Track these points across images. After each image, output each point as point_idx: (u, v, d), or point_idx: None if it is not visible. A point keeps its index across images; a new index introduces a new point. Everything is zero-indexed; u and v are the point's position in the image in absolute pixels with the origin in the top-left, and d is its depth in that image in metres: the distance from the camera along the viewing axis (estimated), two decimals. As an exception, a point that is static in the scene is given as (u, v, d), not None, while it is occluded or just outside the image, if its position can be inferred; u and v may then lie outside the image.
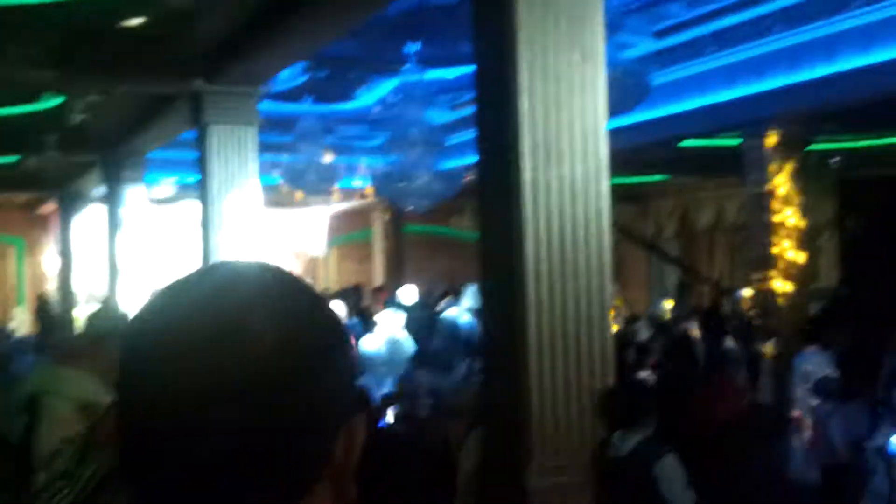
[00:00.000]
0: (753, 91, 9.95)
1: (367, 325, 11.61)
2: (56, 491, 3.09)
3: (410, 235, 19.37)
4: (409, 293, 13.65)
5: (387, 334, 9.73)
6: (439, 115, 12.00)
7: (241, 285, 0.94)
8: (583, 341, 4.53)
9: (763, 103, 9.91)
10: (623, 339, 9.64)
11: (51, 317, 16.74)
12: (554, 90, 4.52)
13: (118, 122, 11.65)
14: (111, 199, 12.94)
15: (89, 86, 9.82)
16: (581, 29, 4.58)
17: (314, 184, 12.57)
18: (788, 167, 10.19)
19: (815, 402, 8.11)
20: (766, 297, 10.40)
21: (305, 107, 12.40)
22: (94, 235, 15.67)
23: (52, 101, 10.90)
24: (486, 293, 5.03)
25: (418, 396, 7.06)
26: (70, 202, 16.66)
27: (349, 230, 20.95)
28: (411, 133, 10.55)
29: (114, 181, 12.83)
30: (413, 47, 10.01)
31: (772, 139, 10.18)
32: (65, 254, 16.92)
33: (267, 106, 10.04)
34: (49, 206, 18.82)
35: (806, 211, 10.35)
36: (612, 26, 7.07)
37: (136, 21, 7.94)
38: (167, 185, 15.97)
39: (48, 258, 19.93)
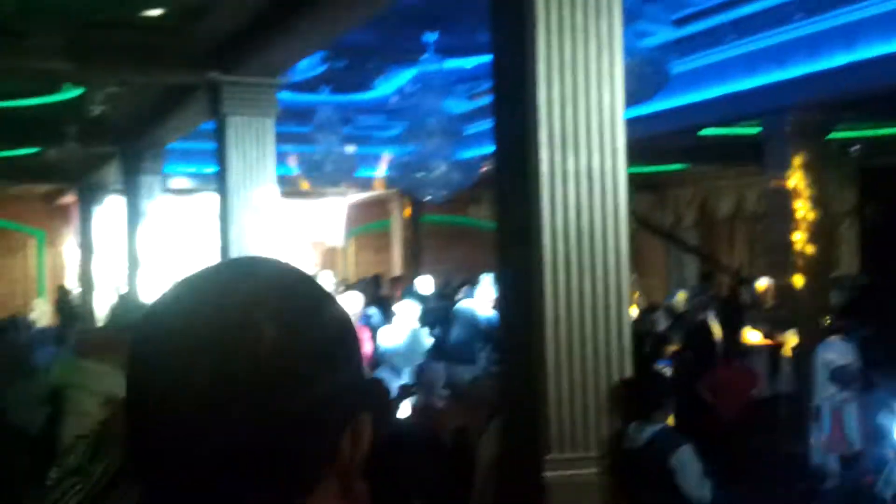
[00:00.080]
0: (773, 79, 9.89)
1: (385, 314, 11.61)
2: (69, 487, 3.09)
3: (428, 225, 19.36)
4: (426, 283, 13.64)
5: (404, 325, 9.72)
6: (457, 105, 11.97)
7: (247, 283, 0.93)
8: (600, 331, 4.51)
9: (783, 91, 9.84)
10: (640, 329, 9.60)
11: (71, 308, 16.84)
12: (571, 80, 4.50)
13: (137, 113, 11.70)
14: (131, 191, 12.99)
15: (108, 77, 9.86)
16: (598, 19, 4.56)
17: (332, 174, 12.57)
18: (808, 156, 10.13)
19: (833, 390, 8.09)
20: (785, 286, 10.35)
21: (323, 97, 12.40)
22: (114, 227, 15.73)
23: (71, 93, 10.95)
24: (503, 283, 5.03)
25: (435, 387, 7.06)
26: (90, 193, 16.74)
27: (367, 220, 20.97)
28: (429, 123, 10.53)
29: (133, 172, 12.88)
30: (431, 36, 9.99)
31: (792, 128, 10.12)
32: (85, 245, 17.00)
33: (285, 96, 10.04)
34: (69, 198, 18.90)
35: (826, 199, 10.28)
36: (632, 14, 7.04)
37: (154, 12, 7.97)
38: (186, 177, 16.02)
39: (68, 249, 20.04)
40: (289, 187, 13.25)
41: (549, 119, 4.47)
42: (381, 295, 14.61)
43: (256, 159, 8.71)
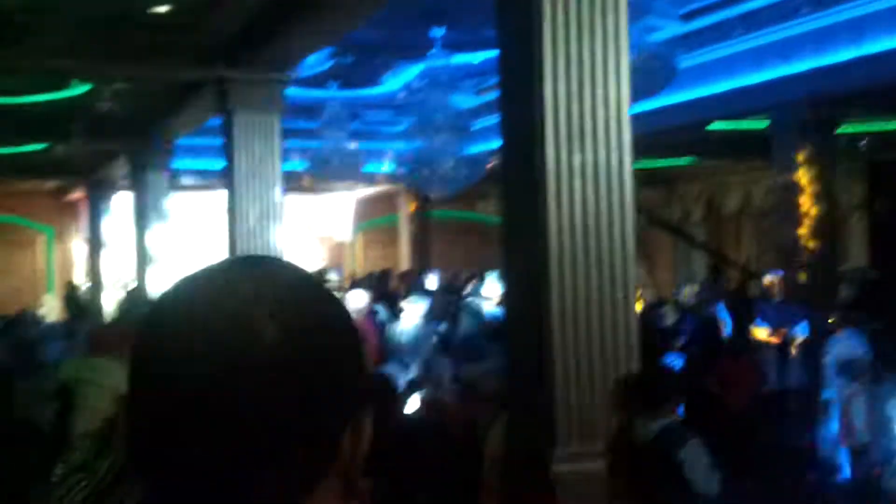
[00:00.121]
0: (781, 74, 9.87)
1: (393, 309, 11.62)
2: (74, 483, 3.09)
3: (436, 220, 19.37)
4: (434, 278, 13.65)
5: (412, 320, 9.73)
6: (464, 100, 11.97)
7: (250, 281, 0.93)
8: (607, 326, 4.52)
9: (791, 86, 9.83)
10: (648, 324, 9.59)
11: (79, 304, 16.88)
12: (577, 75, 4.50)
13: (145, 109, 11.72)
14: (138, 186, 13.02)
15: (116, 73, 9.88)
16: (605, 14, 4.56)
17: (339, 169, 12.59)
18: (816, 150, 10.11)
19: (842, 383, 8.08)
20: (794, 280, 10.33)
21: (331, 92, 12.41)
22: (122, 223, 15.77)
23: (79, 89, 10.97)
24: (509, 278, 5.03)
25: (443, 382, 7.06)
26: (98, 189, 16.79)
27: (375, 215, 20.99)
28: (436, 118, 10.53)
29: (141, 168, 12.91)
30: (438, 32, 9.99)
31: (800, 122, 10.10)
32: (93, 241, 17.04)
33: (292, 92, 10.06)
34: (77, 194, 18.95)
35: (834, 194, 10.26)
36: (639, 9, 7.04)
37: (162, 8, 7.98)
38: (193, 172, 16.04)
39: (77, 245, 20.08)
40: (296, 182, 13.27)
41: (555, 114, 4.47)
42: (388, 290, 14.62)
43: (263, 155, 8.73)
